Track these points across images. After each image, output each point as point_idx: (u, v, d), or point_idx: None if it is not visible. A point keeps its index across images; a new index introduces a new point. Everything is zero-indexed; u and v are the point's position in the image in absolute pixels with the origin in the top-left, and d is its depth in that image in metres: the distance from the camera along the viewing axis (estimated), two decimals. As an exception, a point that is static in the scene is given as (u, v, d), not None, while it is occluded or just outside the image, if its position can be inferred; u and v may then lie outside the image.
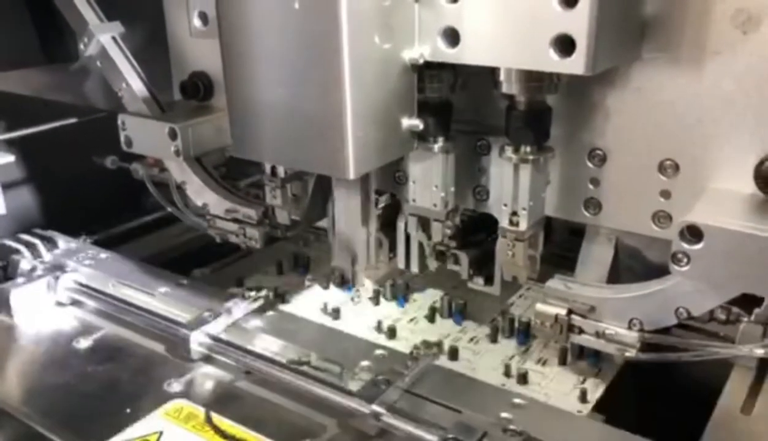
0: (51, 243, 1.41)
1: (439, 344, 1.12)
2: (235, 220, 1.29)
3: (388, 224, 1.19)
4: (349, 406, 0.91)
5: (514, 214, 0.99)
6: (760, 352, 0.91)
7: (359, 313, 1.23)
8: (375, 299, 1.26)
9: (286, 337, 1.09)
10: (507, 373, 1.05)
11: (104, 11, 1.30)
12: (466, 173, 1.07)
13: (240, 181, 1.48)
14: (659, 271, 0.95)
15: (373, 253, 1.20)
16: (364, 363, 1.00)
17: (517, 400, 0.94)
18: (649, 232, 0.97)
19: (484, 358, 1.10)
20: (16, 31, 1.41)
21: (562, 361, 1.07)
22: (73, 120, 1.51)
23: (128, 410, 0.95)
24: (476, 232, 1.17)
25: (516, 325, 1.15)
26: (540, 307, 1.00)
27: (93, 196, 1.64)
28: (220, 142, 1.25)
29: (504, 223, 1.00)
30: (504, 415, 0.91)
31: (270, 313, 1.17)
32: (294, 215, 1.25)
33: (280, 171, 1.19)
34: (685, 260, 0.84)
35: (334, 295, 1.29)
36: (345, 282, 1.29)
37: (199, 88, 1.28)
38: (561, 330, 0.99)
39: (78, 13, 1.28)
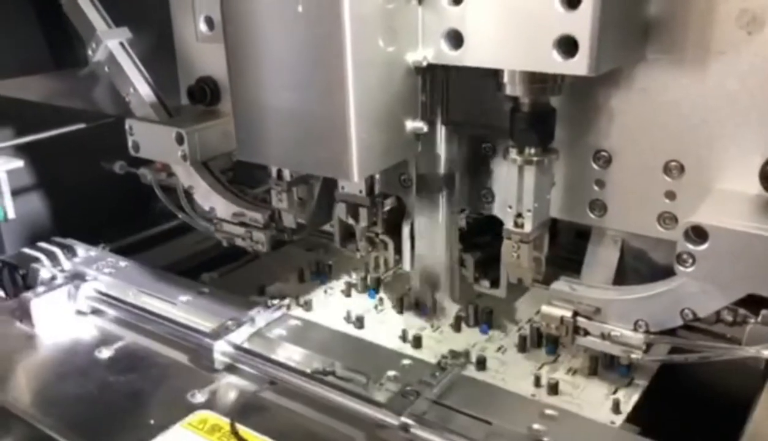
0: (70, 251, 1.40)
1: (466, 354, 1.11)
2: (242, 224, 1.30)
3: (393, 227, 1.19)
4: (376, 418, 0.90)
5: (519, 215, 0.98)
6: (767, 353, 0.90)
7: (383, 322, 1.22)
8: (399, 308, 1.25)
9: (309, 347, 1.07)
10: (537, 384, 1.04)
11: (112, 17, 1.31)
12: (471, 176, 1.07)
13: (254, 188, 1.48)
14: (665, 273, 0.94)
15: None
16: (391, 373, 0.99)
17: (548, 411, 0.92)
18: (654, 233, 0.97)
19: (513, 368, 1.09)
20: (26, 38, 1.43)
21: (593, 371, 1.05)
22: (81, 125, 1.52)
23: (152, 421, 0.94)
24: (482, 235, 1.17)
25: (544, 334, 1.11)
26: (545, 309, 1.00)
27: (102, 202, 1.65)
28: (226, 146, 1.25)
29: (509, 225, 1.00)
30: (536, 426, 0.89)
31: (293, 321, 1.16)
32: (300, 219, 1.25)
33: (286, 174, 1.19)
34: (690, 261, 0.84)
35: (358, 304, 1.28)
36: (368, 288, 1.29)
37: (206, 93, 1.29)
38: (566, 332, 0.99)
39: (86, 19, 1.29)
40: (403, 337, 1.16)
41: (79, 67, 1.43)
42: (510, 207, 0.99)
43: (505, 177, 1.02)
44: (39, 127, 1.49)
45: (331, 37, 0.81)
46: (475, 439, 0.86)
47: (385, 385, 0.96)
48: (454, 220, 1.12)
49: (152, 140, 1.26)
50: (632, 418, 0.97)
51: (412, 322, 1.21)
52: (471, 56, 0.87)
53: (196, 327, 1.11)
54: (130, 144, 1.28)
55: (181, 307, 1.20)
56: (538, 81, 0.89)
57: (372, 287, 1.31)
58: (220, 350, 1.04)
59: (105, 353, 1.11)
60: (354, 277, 1.34)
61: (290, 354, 1.06)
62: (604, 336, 0.97)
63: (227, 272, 1.45)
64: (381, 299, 1.28)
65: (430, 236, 1.12)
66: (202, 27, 1.11)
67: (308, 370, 1.00)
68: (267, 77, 0.89)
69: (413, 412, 0.89)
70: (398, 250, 1.20)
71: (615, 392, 1.01)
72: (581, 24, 0.77)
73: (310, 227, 1.28)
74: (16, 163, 1.38)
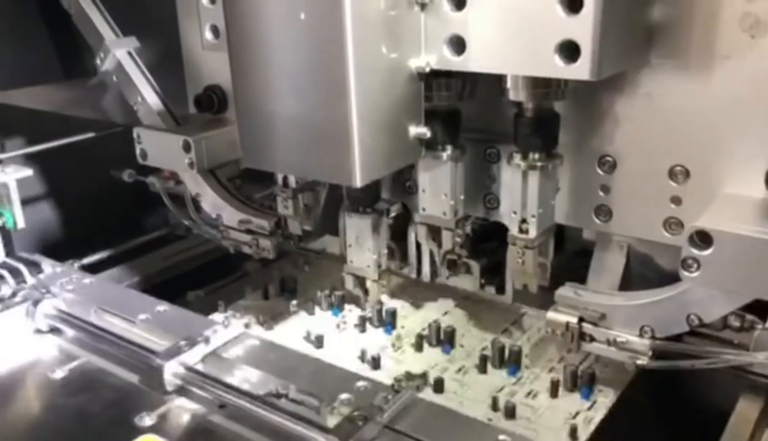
0: (35, 267, 1.34)
1: (423, 375, 1.06)
2: (249, 231, 1.30)
3: (399, 234, 1.19)
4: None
5: (524, 221, 0.98)
6: (775, 359, 0.90)
7: (344, 341, 1.18)
8: (361, 326, 1.20)
9: (265, 368, 1.02)
10: (494, 407, 0.99)
11: (120, 27, 1.32)
12: (476, 181, 1.07)
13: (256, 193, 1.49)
14: (672, 279, 0.94)
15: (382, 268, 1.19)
16: (344, 396, 0.94)
17: (502, 437, 0.86)
18: (660, 238, 0.96)
19: (472, 390, 1.04)
20: (35, 48, 1.44)
21: (554, 394, 1.01)
22: (90, 134, 1.53)
23: None
24: (488, 241, 1.17)
25: (506, 354, 1.08)
26: (551, 315, 1.00)
27: (111, 208, 1.66)
28: (233, 154, 1.26)
29: (514, 230, 1.00)
30: None
31: (250, 341, 1.10)
32: (306, 226, 1.25)
33: (292, 181, 1.19)
34: (695, 266, 0.83)
35: (319, 322, 1.23)
36: (332, 305, 1.25)
37: (213, 101, 1.30)
38: (572, 338, 0.98)
39: (94, 29, 1.31)
40: (362, 358, 1.12)
41: (88, 77, 1.44)
42: (514, 212, 0.99)
43: (509, 182, 1.02)
44: (49, 136, 1.51)
45: (333, 43, 0.82)
46: None
47: (338, 408, 0.92)
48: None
49: (160, 148, 1.27)
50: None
51: (373, 342, 1.17)
52: (474, 62, 0.87)
53: (150, 347, 1.07)
54: (138, 152, 1.29)
55: (140, 326, 1.14)
56: (541, 86, 0.90)
57: (336, 305, 1.26)
58: (171, 371, 1.00)
59: (58, 374, 1.06)
60: (319, 294, 1.27)
61: (245, 375, 1.01)
62: (609, 342, 0.96)
63: (213, 290, 1.42)
64: (344, 317, 1.24)
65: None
66: (208, 35, 1.12)
67: (261, 393, 0.95)
68: (270, 84, 0.90)
69: (361, 438, 0.85)
70: (403, 257, 1.21)
71: (574, 417, 0.97)
72: (583, 28, 0.77)
73: (317, 234, 1.28)
74: (25, 172, 1.39)
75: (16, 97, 1.50)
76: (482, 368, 1.08)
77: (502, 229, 1.05)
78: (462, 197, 1.05)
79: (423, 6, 0.88)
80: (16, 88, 1.46)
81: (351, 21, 0.80)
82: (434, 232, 1.10)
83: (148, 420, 0.95)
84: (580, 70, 0.79)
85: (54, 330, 1.18)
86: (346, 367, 1.06)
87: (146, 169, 1.37)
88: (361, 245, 1.14)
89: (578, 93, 0.94)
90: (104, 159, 1.55)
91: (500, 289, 1.16)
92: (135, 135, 1.29)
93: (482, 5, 0.84)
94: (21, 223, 1.40)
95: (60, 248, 1.55)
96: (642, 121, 0.93)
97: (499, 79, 0.92)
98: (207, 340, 1.06)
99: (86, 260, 1.58)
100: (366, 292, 1.19)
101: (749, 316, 0.91)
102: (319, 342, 1.16)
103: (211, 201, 1.34)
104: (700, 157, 0.90)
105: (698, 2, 0.85)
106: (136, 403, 0.99)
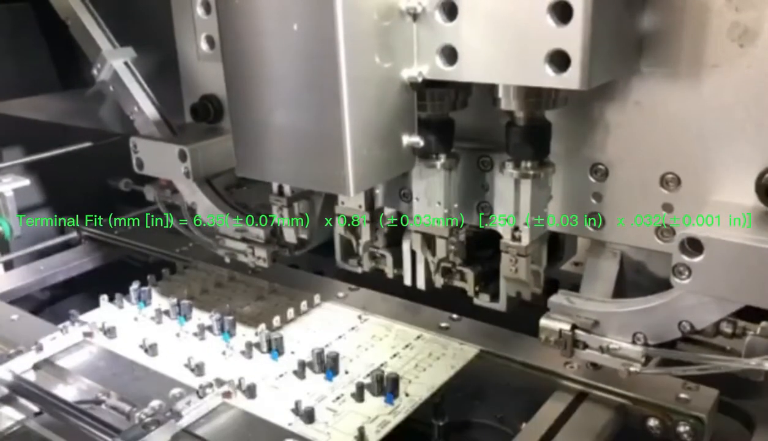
0: None
1: (360, 434, 0.97)
2: (244, 240, 1.31)
3: (394, 242, 1.20)
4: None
5: (516, 229, 0.99)
6: None
7: (279, 388, 1.10)
8: (300, 372, 1.13)
9: (95, 377, 1.04)
10: None
11: (117, 37, 1.33)
12: (469, 190, 1.07)
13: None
14: (667, 286, 0.94)
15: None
16: None
17: None
18: (652, 246, 0.96)
19: None
20: (33, 58, 1.45)
21: None
22: (88, 144, 1.54)
23: None
24: (483, 248, 1.17)
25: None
26: (544, 322, 1.00)
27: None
28: (229, 163, 1.24)
29: (507, 238, 1.01)
30: None
31: (90, 349, 1.13)
32: (301, 234, 1.26)
33: (287, 190, 1.20)
34: (686, 273, 0.84)
35: (255, 366, 1.16)
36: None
37: (209, 111, 1.31)
38: (565, 345, 0.99)
39: (91, 39, 1.32)
40: (296, 410, 1.03)
41: (85, 87, 1.45)
42: (508, 221, 0.99)
43: (502, 191, 1.02)
44: (46, 146, 1.52)
45: (326, 53, 0.82)
46: None
47: None
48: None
49: (156, 157, 1.28)
50: None
51: (313, 389, 1.08)
52: (465, 72, 0.88)
53: None
54: (134, 161, 1.30)
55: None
56: (532, 95, 0.90)
57: (275, 348, 1.19)
58: None
59: None
60: (256, 334, 1.22)
61: (75, 385, 1.03)
62: (602, 349, 0.97)
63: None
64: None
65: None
66: (203, 46, 1.12)
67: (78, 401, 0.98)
68: (264, 94, 0.90)
69: None
70: (398, 265, 1.21)
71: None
72: (572, 38, 0.78)
73: (313, 243, 1.29)
74: (22, 182, 1.40)
75: (14, 107, 1.51)
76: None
77: (496, 237, 1.06)
78: (456, 205, 1.06)
79: (415, 16, 0.89)
80: (14, 98, 1.47)
81: (344, 32, 0.81)
82: (428, 240, 1.10)
83: None
84: (570, 80, 0.79)
85: None
86: (278, 419, 1.02)
87: (143, 178, 1.38)
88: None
89: (569, 102, 0.95)
90: (102, 167, 1.56)
91: (494, 297, 1.16)
92: (131, 144, 1.30)
93: (473, 16, 0.85)
94: (17, 232, 1.41)
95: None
96: (633, 129, 0.93)
97: (491, 89, 0.93)
98: (40, 348, 1.10)
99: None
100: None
101: (741, 322, 0.91)
102: (251, 392, 1.08)
103: (206, 210, 1.34)
104: (691, 164, 0.91)
105: (688, 12, 0.85)
106: None
